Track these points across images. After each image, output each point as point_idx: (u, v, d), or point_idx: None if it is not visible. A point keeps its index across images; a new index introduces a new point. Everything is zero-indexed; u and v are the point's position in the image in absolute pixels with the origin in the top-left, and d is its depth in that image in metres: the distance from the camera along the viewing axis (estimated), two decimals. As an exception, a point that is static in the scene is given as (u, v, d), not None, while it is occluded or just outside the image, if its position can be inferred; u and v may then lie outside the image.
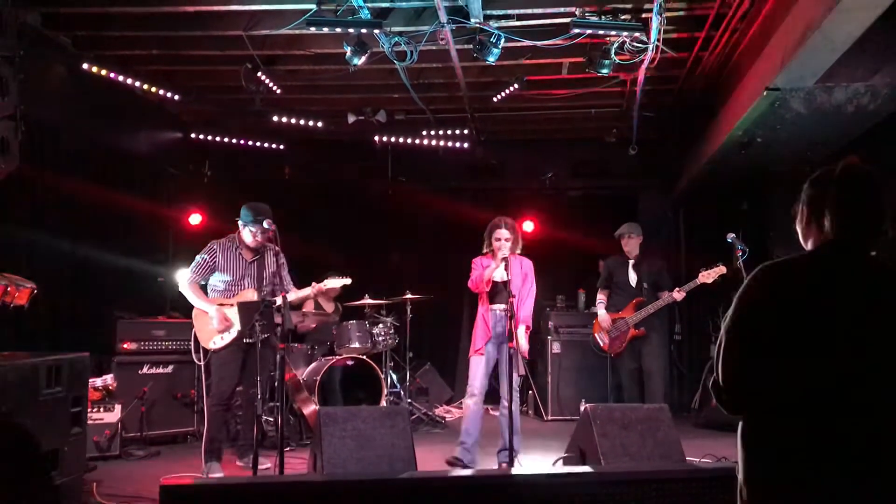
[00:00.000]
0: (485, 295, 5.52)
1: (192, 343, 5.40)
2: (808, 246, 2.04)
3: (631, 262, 6.68)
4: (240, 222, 5.34)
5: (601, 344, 6.75)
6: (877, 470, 1.79)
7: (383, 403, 6.53)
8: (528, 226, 8.73)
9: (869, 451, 1.79)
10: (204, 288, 5.42)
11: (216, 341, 5.25)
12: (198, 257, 5.38)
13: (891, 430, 1.80)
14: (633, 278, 6.64)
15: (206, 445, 5.19)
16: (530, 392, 8.21)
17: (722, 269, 6.01)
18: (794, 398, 1.85)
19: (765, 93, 5.09)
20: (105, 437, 5.59)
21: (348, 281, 5.69)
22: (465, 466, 5.26)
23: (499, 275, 5.43)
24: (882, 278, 1.90)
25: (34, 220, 5.96)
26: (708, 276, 6.09)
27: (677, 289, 6.29)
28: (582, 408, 4.97)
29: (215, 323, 5.21)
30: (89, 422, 4.96)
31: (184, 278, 5.35)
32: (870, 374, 1.82)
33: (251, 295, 5.30)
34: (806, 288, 1.89)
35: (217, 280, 5.37)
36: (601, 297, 6.84)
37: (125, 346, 6.25)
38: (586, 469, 4.45)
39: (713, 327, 8.11)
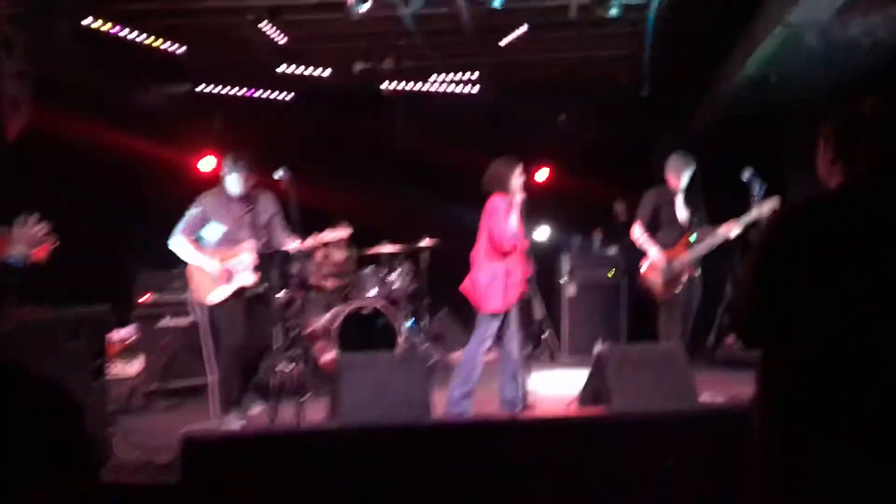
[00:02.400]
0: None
1: (189, 299, 5.40)
2: (832, 184, 2.02)
3: (680, 196, 6.12)
4: (222, 173, 5.29)
5: (654, 288, 6.06)
6: None
7: (400, 350, 6.60)
8: (543, 171, 8.67)
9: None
10: (198, 243, 5.34)
11: (214, 296, 5.21)
12: (188, 213, 5.28)
13: None
14: (683, 214, 6.10)
15: (224, 397, 5.24)
16: (545, 335, 8.26)
17: (776, 201, 5.49)
18: (821, 336, 1.84)
19: (779, 28, 4.99)
20: (127, 390, 5.68)
21: (347, 232, 5.70)
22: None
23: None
24: None
25: (48, 177, 5.99)
26: (762, 208, 5.51)
27: (733, 221, 5.75)
28: (596, 349, 5.00)
29: (216, 275, 5.17)
30: (110, 375, 5.04)
31: (175, 234, 5.24)
32: None
33: (249, 246, 5.25)
34: (838, 224, 1.87)
35: (212, 233, 5.29)
36: (644, 234, 6.10)
37: (145, 298, 6.28)
38: (601, 411, 4.50)
39: (728, 266, 8.07)
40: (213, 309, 5.26)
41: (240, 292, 5.23)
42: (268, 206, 5.44)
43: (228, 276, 5.20)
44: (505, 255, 5.26)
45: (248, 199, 5.34)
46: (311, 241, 5.46)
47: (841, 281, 1.82)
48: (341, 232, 5.72)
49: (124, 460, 4.18)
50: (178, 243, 5.24)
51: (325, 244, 6.72)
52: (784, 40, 5.18)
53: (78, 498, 1.42)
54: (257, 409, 5.49)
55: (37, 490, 1.36)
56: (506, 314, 5.26)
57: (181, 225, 5.26)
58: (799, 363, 1.87)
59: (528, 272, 5.40)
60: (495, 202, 5.32)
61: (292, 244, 5.34)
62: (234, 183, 5.25)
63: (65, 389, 1.49)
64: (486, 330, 5.27)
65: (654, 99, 8.12)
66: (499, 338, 5.35)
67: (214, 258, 5.21)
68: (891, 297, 1.80)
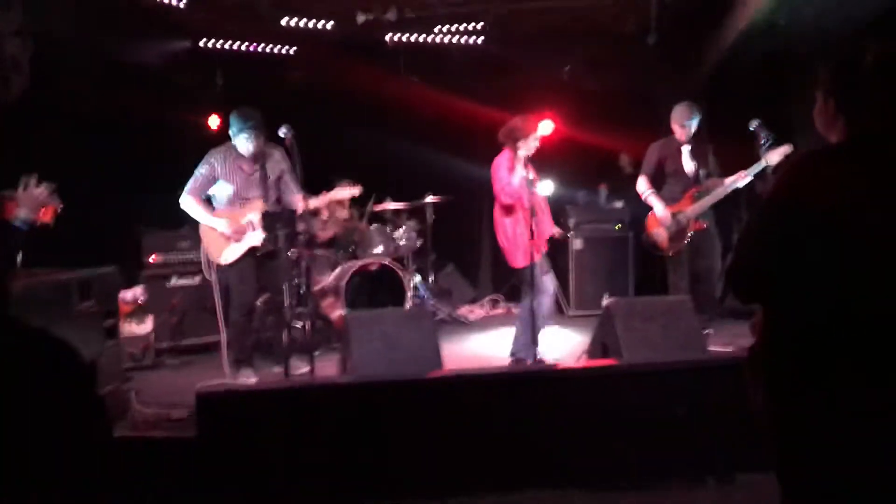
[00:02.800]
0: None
1: (202, 259, 5.37)
2: (832, 136, 1.97)
3: (686, 147, 5.97)
4: (230, 132, 5.18)
5: (660, 242, 5.94)
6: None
7: (407, 306, 6.63)
8: (548, 123, 8.60)
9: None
10: (209, 203, 5.31)
11: (227, 256, 5.19)
12: (196, 171, 5.21)
13: None
14: (689, 166, 5.95)
15: (236, 355, 5.26)
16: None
17: (788, 148, 5.35)
18: (827, 295, 1.82)
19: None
20: (139, 349, 5.74)
21: (357, 190, 5.65)
22: None
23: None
24: None
25: (50, 136, 5.96)
26: (772, 157, 5.35)
27: (743, 172, 5.62)
28: (604, 302, 5.02)
29: (227, 233, 5.13)
30: (122, 334, 5.09)
31: (184, 194, 5.20)
32: None
33: (259, 205, 5.20)
34: (842, 185, 1.82)
35: (221, 192, 5.24)
36: (649, 188, 6.01)
37: (152, 258, 6.31)
38: (611, 362, 4.53)
39: (735, 217, 8.04)
40: (226, 268, 5.25)
41: (251, 251, 5.20)
42: (277, 163, 5.33)
43: (238, 235, 5.17)
44: (510, 209, 5.27)
45: (257, 157, 5.24)
46: (321, 199, 5.43)
47: (849, 239, 1.79)
48: (351, 190, 5.67)
49: (141, 415, 4.24)
50: (188, 203, 5.21)
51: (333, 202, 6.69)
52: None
53: (93, 453, 1.44)
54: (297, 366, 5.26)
55: (50, 448, 1.37)
56: (528, 268, 5.27)
57: (190, 185, 5.21)
58: (801, 322, 1.86)
59: (548, 227, 5.44)
60: (499, 159, 5.33)
61: (302, 202, 5.30)
62: (243, 142, 5.15)
63: (76, 349, 1.50)
64: (528, 284, 5.24)
65: (661, 47, 7.99)
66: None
67: (223, 218, 5.18)
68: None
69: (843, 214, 1.79)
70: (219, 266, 5.26)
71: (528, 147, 5.28)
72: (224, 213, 5.22)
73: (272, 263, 5.35)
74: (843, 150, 1.92)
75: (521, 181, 5.21)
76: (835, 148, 1.94)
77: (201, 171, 5.21)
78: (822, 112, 1.99)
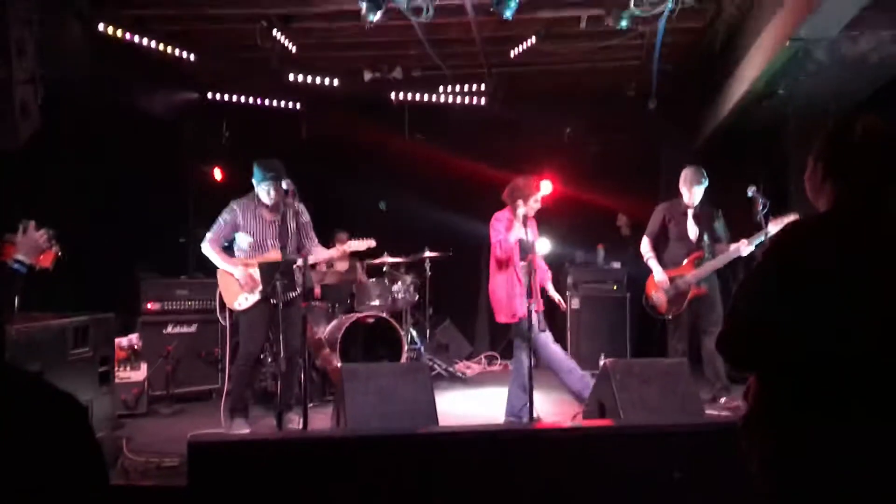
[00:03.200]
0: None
1: (216, 303, 5.42)
2: (820, 203, 2.03)
3: (691, 211, 6.05)
4: (253, 181, 5.30)
5: (658, 305, 6.03)
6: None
7: (404, 360, 6.60)
8: (547, 183, 8.68)
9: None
10: (229, 248, 5.40)
11: (241, 302, 5.25)
12: (219, 218, 5.35)
13: None
14: (693, 230, 6.02)
15: (232, 403, 5.26)
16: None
17: (794, 217, 5.19)
18: (819, 356, 1.84)
19: (788, 43, 5.00)
20: (132, 395, 5.70)
21: (372, 243, 5.71)
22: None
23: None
24: None
25: (56, 182, 6.01)
26: (779, 225, 5.27)
27: (745, 241, 5.68)
28: (601, 362, 5.00)
29: (242, 281, 5.20)
30: (116, 380, 5.05)
31: (204, 241, 5.33)
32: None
33: (275, 255, 5.24)
34: (832, 248, 1.87)
35: (241, 240, 5.34)
36: (650, 251, 6.11)
37: (149, 306, 6.32)
38: (606, 423, 4.49)
39: (733, 279, 8.04)
40: (237, 315, 5.32)
41: (265, 301, 5.21)
42: (297, 214, 5.42)
43: (253, 283, 5.22)
44: (502, 264, 5.35)
45: (278, 206, 5.33)
46: (336, 251, 5.49)
47: (839, 303, 1.82)
48: (366, 242, 5.71)
49: (132, 463, 4.19)
50: (207, 249, 5.31)
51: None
52: (793, 55, 5.18)
53: (89, 500, 1.42)
54: (293, 417, 5.30)
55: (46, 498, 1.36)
56: (520, 324, 5.28)
57: (211, 232, 5.33)
58: (795, 386, 1.87)
59: (542, 284, 5.47)
60: (499, 213, 5.44)
61: (319, 253, 5.40)
62: (264, 192, 5.26)
63: (72, 395, 1.49)
64: (516, 339, 5.32)
65: (661, 112, 8.13)
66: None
67: (240, 266, 5.25)
68: (891, 318, 1.81)
69: (832, 279, 1.83)
70: (231, 312, 5.33)
71: (528, 207, 5.37)
72: (242, 261, 5.31)
73: (282, 314, 5.32)
74: (830, 218, 1.98)
75: (517, 241, 5.29)
76: (822, 216, 2.01)
77: (224, 218, 5.34)
78: (811, 177, 2.06)
